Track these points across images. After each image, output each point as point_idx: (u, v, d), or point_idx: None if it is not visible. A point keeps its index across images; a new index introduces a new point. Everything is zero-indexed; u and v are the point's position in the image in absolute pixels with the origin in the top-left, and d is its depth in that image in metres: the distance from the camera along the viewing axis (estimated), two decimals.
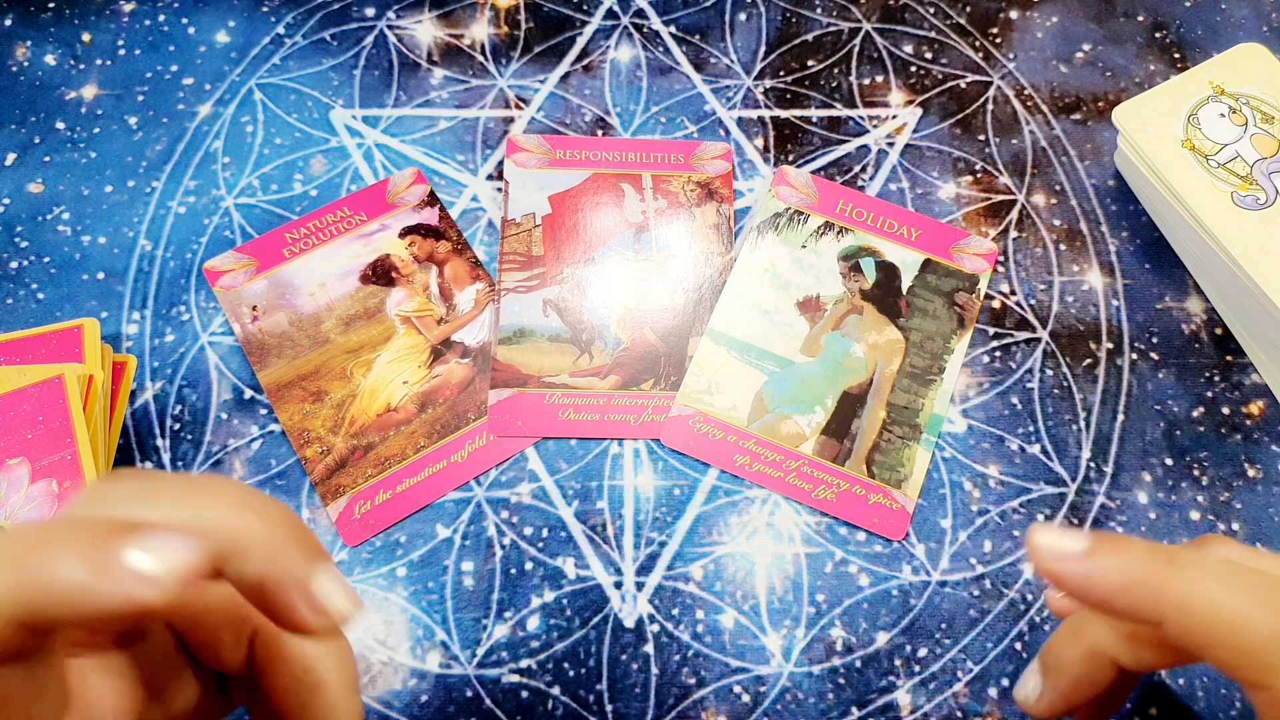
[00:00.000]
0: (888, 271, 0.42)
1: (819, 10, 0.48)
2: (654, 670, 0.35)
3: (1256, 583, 0.22)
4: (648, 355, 0.40)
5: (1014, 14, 0.48)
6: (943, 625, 0.36)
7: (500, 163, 0.44)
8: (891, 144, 0.45)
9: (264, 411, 0.39)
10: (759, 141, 0.45)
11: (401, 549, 0.37)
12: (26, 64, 0.46)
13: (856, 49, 0.47)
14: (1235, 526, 0.37)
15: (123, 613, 0.17)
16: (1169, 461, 0.39)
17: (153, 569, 0.17)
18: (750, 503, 0.38)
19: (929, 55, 0.47)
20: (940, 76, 0.47)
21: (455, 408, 0.39)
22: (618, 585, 0.36)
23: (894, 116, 0.46)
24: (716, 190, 0.44)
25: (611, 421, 0.39)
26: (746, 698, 0.35)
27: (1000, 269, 0.42)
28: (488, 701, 0.35)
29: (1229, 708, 0.34)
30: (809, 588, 0.36)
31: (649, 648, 0.35)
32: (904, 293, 0.41)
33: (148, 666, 0.21)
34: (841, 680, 0.35)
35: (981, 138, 0.45)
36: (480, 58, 0.47)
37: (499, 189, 0.44)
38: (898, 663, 0.35)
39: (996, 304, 0.42)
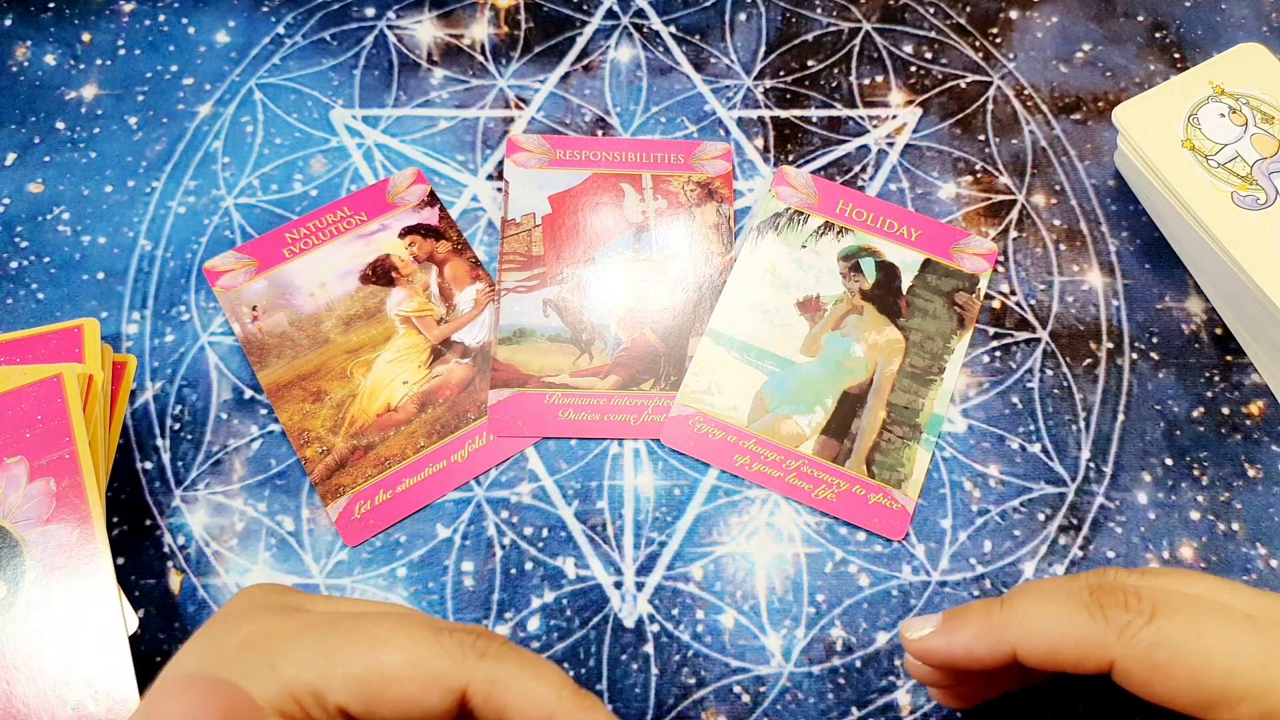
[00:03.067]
0: (888, 271, 0.42)
1: (819, 10, 0.48)
2: (654, 670, 0.35)
3: (1067, 586, 0.25)
4: (648, 355, 0.40)
5: (1014, 14, 0.48)
6: None
7: (500, 163, 0.44)
8: (891, 144, 0.45)
9: (264, 411, 0.39)
10: (759, 141, 0.45)
11: (401, 549, 0.37)
12: (26, 64, 0.46)
13: (856, 49, 0.47)
14: (1235, 526, 0.37)
15: None
16: (1169, 461, 0.39)
17: None
18: (750, 503, 0.38)
19: (929, 55, 0.47)
20: (940, 76, 0.47)
21: (455, 408, 0.39)
22: (618, 585, 0.36)
23: (894, 116, 0.46)
24: (716, 190, 0.44)
25: (611, 421, 0.39)
26: (746, 698, 0.35)
27: (1000, 269, 0.42)
28: None
29: None
30: (809, 588, 0.36)
31: (649, 648, 0.36)
32: (904, 293, 0.41)
33: None
34: (841, 680, 0.35)
35: (981, 138, 0.45)
36: (480, 58, 0.47)
37: (499, 189, 0.44)
38: (898, 663, 0.35)
39: (996, 304, 0.42)
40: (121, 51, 0.47)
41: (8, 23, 0.47)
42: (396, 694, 0.23)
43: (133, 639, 0.33)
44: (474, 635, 0.25)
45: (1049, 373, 0.40)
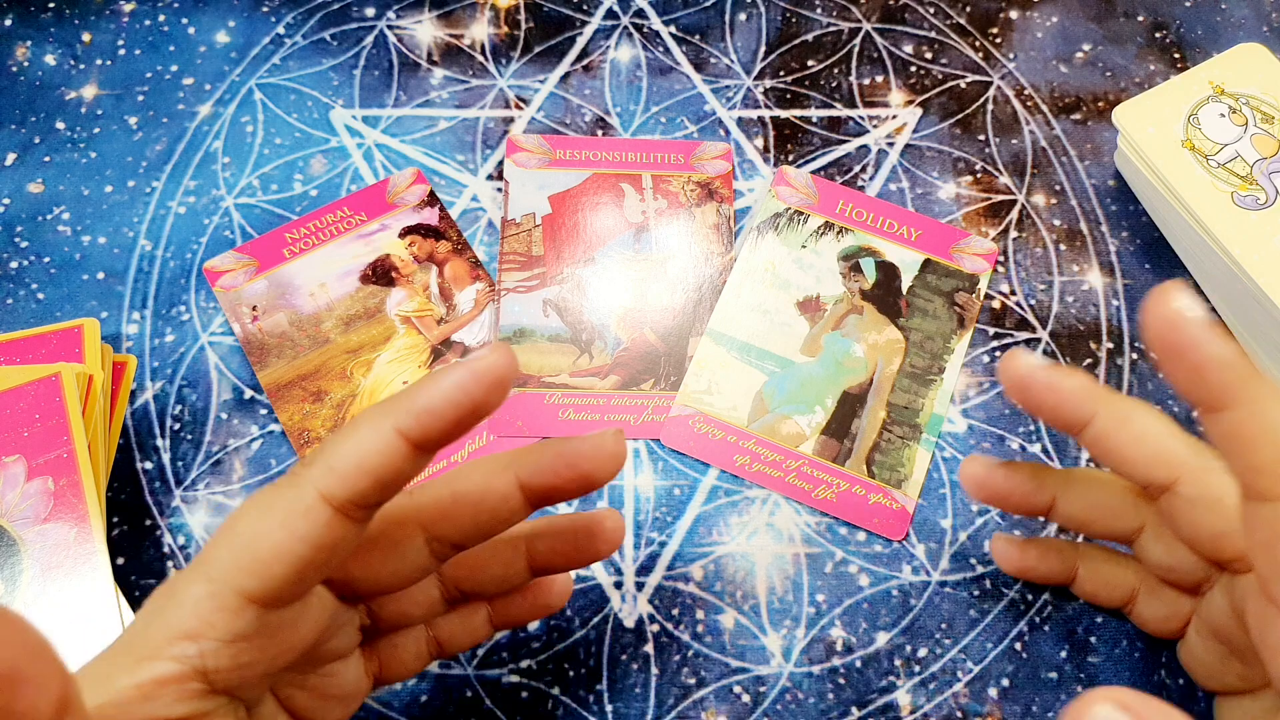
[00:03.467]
0: (888, 271, 0.42)
1: (819, 10, 0.48)
2: (654, 670, 0.35)
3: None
4: (648, 355, 0.40)
5: (1014, 14, 0.48)
6: (943, 625, 0.36)
7: (500, 163, 0.44)
8: (891, 144, 0.45)
9: (264, 411, 0.39)
10: (759, 141, 0.45)
11: None
12: (26, 64, 0.46)
13: (856, 49, 0.47)
14: None
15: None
16: None
17: None
18: (750, 503, 0.38)
19: (929, 55, 0.47)
20: (940, 76, 0.47)
21: None
22: (618, 585, 0.36)
23: (894, 116, 0.46)
24: (716, 190, 0.44)
25: (611, 422, 0.39)
26: (746, 698, 0.35)
27: (1000, 269, 0.42)
28: (488, 702, 0.35)
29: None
30: (809, 588, 0.36)
31: (649, 648, 0.35)
32: (904, 293, 0.41)
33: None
34: (841, 680, 0.35)
35: (981, 138, 0.45)
36: (480, 58, 0.47)
37: (499, 189, 0.44)
38: (898, 663, 0.35)
39: (996, 304, 0.42)
40: (121, 51, 0.47)
41: (8, 23, 0.48)
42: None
43: None
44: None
45: None
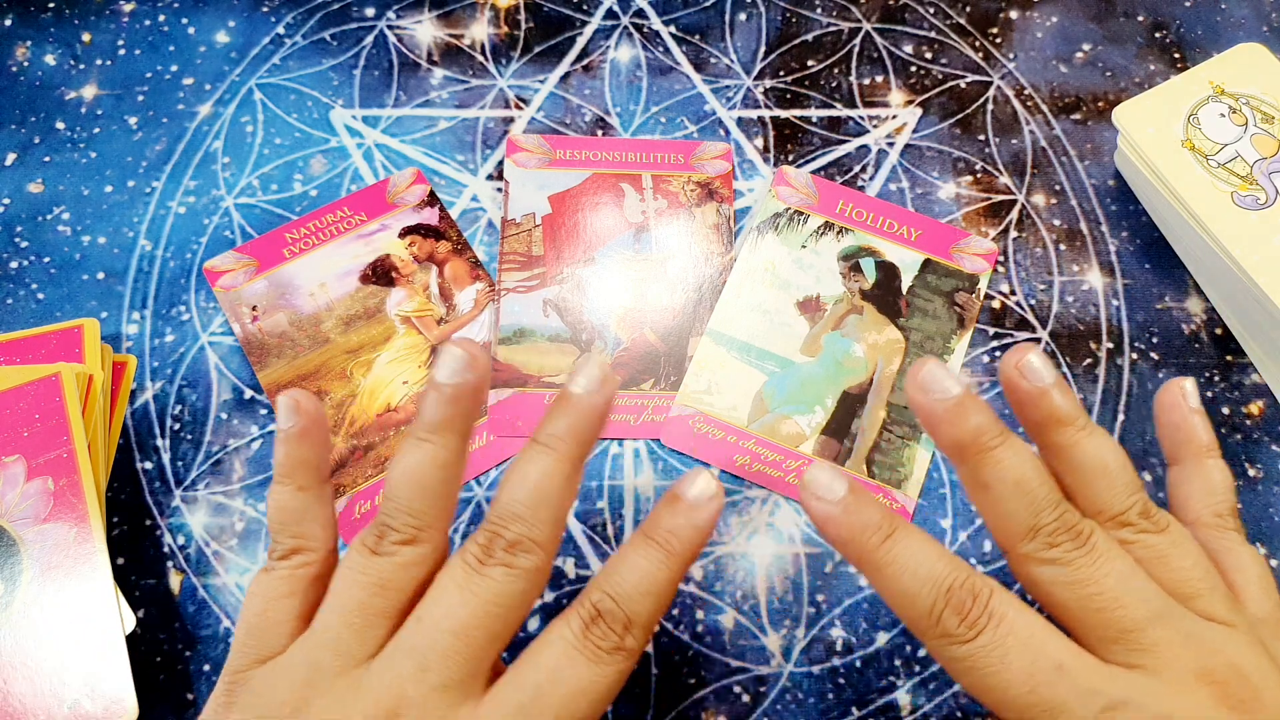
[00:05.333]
0: (888, 271, 0.41)
1: (819, 10, 0.48)
2: (654, 670, 0.35)
3: (935, 569, 0.25)
4: (648, 355, 0.40)
5: (1014, 14, 0.48)
6: None
7: (500, 163, 0.44)
8: (891, 144, 0.45)
9: (264, 411, 0.39)
10: (759, 141, 0.45)
11: None
12: (26, 64, 0.46)
13: (856, 49, 0.47)
14: None
15: None
16: None
17: None
18: (750, 503, 0.38)
19: (929, 55, 0.47)
20: (940, 76, 0.47)
21: None
22: None
23: (894, 116, 0.46)
24: (716, 190, 0.43)
25: (612, 421, 0.39)
26: (746, 698, 0.35)
27: (1000, 269, 0.42)
28: None
29: None
30: (809, 588, 0.36)
31: (649, 648, 0.35)
32: (904, 293, 0.41)
33: None
34: (841, 680, 0.35)
35: (981, 138, 0.45)
36: (480, 58, 0.47)
37: (499, 189, 0.44)
38: (898, 663, 0.35)
39: (996, 304, 0.42)
40: (121, 51, 0.47)
41: (8, 23, 0.48)
42: None
43: (131, 638, 0.33)
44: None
45: None
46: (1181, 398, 0.29)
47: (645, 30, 0.48)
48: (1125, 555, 0.25)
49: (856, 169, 0.44)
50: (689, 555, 0.26)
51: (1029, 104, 0.46)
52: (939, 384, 0.26)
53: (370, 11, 0.48)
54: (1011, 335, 0.41)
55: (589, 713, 0.24)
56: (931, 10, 0.49)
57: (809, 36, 0.48)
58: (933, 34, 0.48)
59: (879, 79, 0.47)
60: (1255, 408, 0.40)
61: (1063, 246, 0.43)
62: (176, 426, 0.39)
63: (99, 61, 0.46)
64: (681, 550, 0.25)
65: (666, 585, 0.25)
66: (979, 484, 0.26)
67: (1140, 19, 0.48)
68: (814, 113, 0.46)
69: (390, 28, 0.48)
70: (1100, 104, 0.46)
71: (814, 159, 0.45)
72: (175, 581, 0.36)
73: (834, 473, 0.26)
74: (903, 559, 0.25)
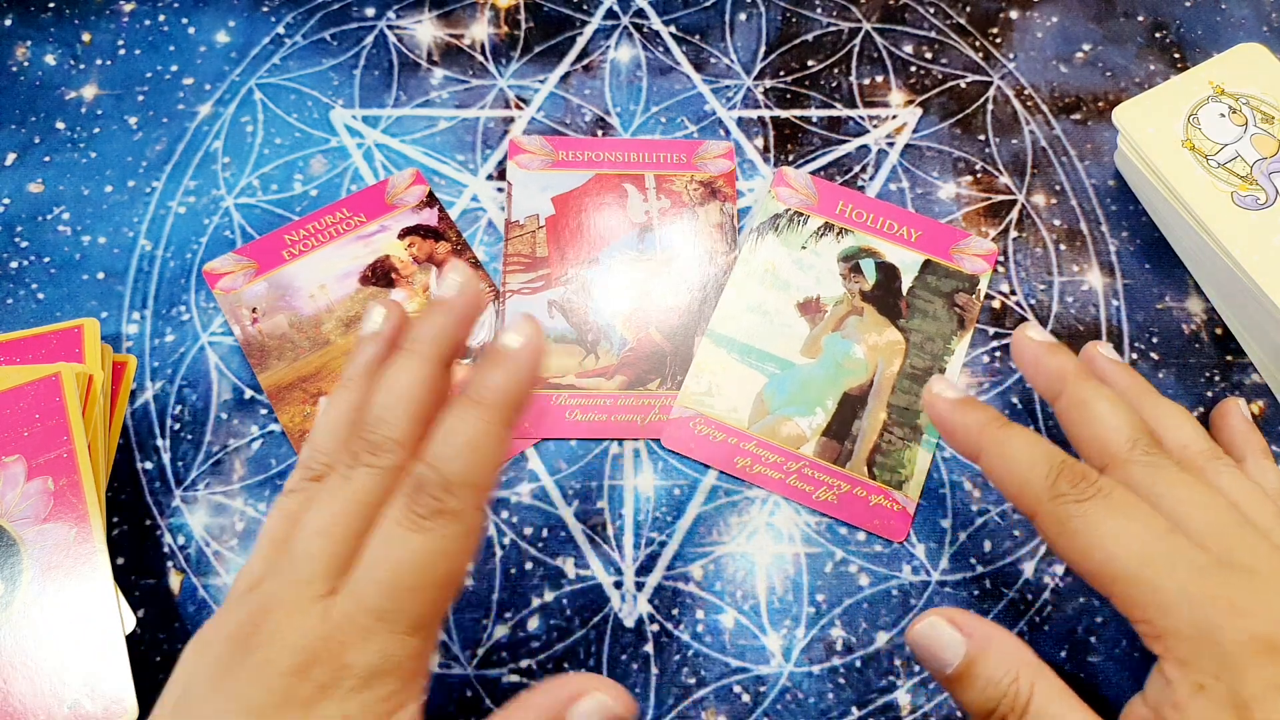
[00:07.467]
0: (888, 272, 0.42)
1: (819, 10, 0.48)
2: (654, 670, 0.35)
3: (1048, 450, 0.29)
4: (654, 355, 0.40)
5: (1014, 14, 0.48)
6: None
7: (500, 163, 0.44)
8: (891, 144, 0.45)
9: (264, 411, 0.39)
10: (759, 142, 0.45)
11: None
12: (26, 64, 0.46)
13: (856, 49, 0.47)
14: None
15: None
16: None
17: None
18: (750, 503, 0.38)
19: (929, 55, 0.47)
20: (940, 76, 0.47)
21: None
22: (618, 585, 0.36)
23: (894, 116, 0.46)
24: (719, 189, 0.43)
25: (618, 422, 0.39)
26: (746, 698, 0.35)
27: (1000, 269, 0.42)
28: (488, 701, 0.35)
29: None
30: (809, 588, 0.36)
31: (649, 648, 0.35)
32: (904, 294, 0.41)
33: None
34: (841, 680, 0.35)
35: (981, 138, 0.45)
36: (480, 58, 0.47)
37: (499, 189, 0.44)
38: (898, 663, 0.35)
39: (996, 304, 0.42)
40: (121, 51, 0.47)
41: (8, 23, 0.47)
42: None
43: (131, 638, 0.33)
44: None
45: None
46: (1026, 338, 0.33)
47: (645, 30, 0.48)
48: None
49: (856, 169, 0.44)
50: (507, 405, 0.26)
51: (1029, 104, 0.46)
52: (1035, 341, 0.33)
53: (370, 11, 0.48)
54: (1012, 335, 0.41)
55: (420, 580, 0.24)
56: (931, 10, 0.49)
57: (809, 36, 0.48)
58: (933, 34, 0.48)
59: (879, 79, 0.47)
60: (1255, 408, 0.40)
61: (1063, 246, 0.43)
62: (176, 426, 0.39)
63: (99, 61, 0.46)
64: (496, 401, 0.26)
65: (485, 439, 0.25)
66: (1078, 402, 0.30)
67: (1140, 19, 0.48)
68: (814, 113, 0.46)
69: (390, 28, 0.48)
70: (1100, 104, 0.46)
71: (814, 159, 0.45)
72: (175, 581, 0.36)
73: (950, 380, 0.31)
74: (1022, 437, 0.29)
